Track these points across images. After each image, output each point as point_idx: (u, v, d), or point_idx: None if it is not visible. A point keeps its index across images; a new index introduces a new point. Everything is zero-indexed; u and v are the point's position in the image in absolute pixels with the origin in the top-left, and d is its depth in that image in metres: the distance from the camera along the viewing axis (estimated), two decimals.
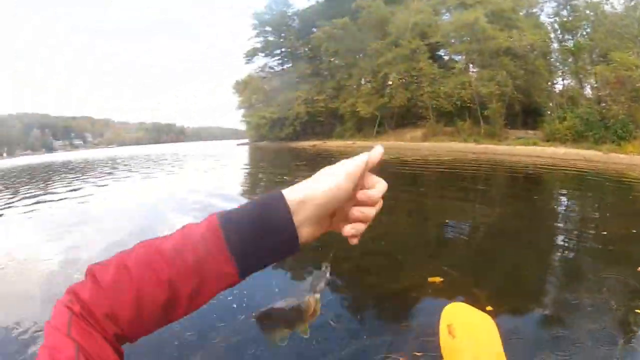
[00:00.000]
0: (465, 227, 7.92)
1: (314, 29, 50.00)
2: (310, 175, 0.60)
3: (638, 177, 14.02)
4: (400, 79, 37.14)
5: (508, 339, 2.02)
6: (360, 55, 44.22)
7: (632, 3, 24.48)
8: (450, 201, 10.67)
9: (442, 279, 4.58)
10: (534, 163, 18.71)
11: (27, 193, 15.68)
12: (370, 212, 0.64)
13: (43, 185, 18.98)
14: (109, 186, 16.99)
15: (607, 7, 26.10)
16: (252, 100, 58.31)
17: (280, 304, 0.64)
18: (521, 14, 32.45)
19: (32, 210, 11.30)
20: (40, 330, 3.74)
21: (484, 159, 21.59)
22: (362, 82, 44.06)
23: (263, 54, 60.70)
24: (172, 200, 11.99)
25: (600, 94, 24.79)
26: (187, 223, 0.61)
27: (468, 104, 31.62)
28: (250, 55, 61.14)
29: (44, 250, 6.87)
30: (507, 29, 29.89)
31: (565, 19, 28.49)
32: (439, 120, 34.44)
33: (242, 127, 70.49)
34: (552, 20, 30.11)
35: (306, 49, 54.28)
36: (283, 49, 58.29)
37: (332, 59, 47.79)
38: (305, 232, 0.61)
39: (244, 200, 9.65)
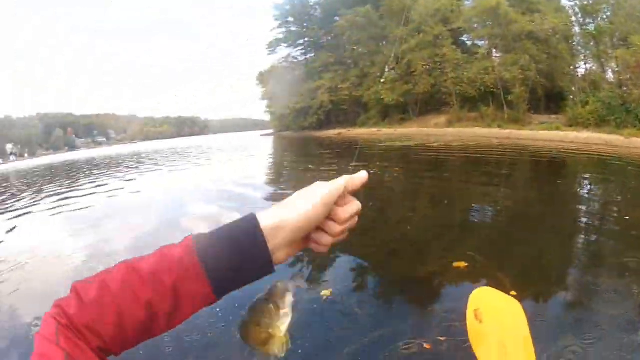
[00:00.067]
0: (490, 212, 7.96)
1: (337, 18, 50.06)
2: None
3: None
4: (424, 65, 37.07)
5: (531, 323, 1.82)
6: (384, 42, 44.29)
7: None
8: (474, 186, 10.67)
9: (466, 264, 4.57)
10: (557, 148, 18.61)
11: (53, 190, 16.07)
12: (335, 229, 0.68)
13: (69, 182, 19.44)
14: (136, 180, 17.34)
15: None
16: (276, 90, 58.65)
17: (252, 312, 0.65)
18: None
19: (60, 206, 11.57)
20: None
21: (507, 144, 21.54)
22: (386, 69, 44.10)
23: (286, 45, 60.89)
24: (201, 191, 12.34)
25: (621, 78, 24.56)
26: (164, 245, 0.63)
27: (491, 89, 31.59)
28: (273, 46, 61.46)
29: (72, 245, 7.00)
30: (528, 13, 29.73)
31: (585, 3, 28.04)
32: (463, 106, 34.51)
33: (266, 117, 71.09)
34: (572, 3, 29.65)
35: (329, 38, 54.39)
36: (306, 39, 58.36)
37: (355, 47, 47.82)
38: (280, 255, 0.64)
39: (270, 190, 10.30)
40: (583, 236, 6.02)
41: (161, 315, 0.59)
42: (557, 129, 24.47)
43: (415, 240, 6.23)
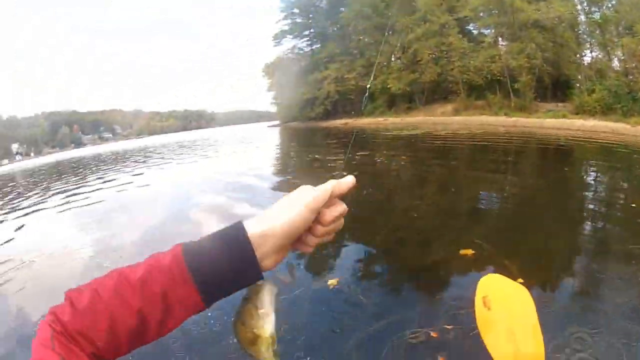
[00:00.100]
0: (497, 199, 7.97)
1: (342, 9, 49.92)
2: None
3: None
4: (430, 54, 37.02)
5: (538, 310, 1.99)
6: (390, 32, 44.14)
7: None
8: (481, 173, 10.70)
9: (473, 252, 4.57)
10: (564, 135, 18.56)
11: (60, 187, 16.17)
12: (320, 230, 0.69)
13: (76, 179, 19.46)
14: (144, 174, 17.44)
15: None
16: (282, 82, 58.67)
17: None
18: None
19: (67, 202, 11.73)
20: None
21: (514, 132, 21.52)
22: (392, 58, 44.01)
23: (291, 36, 60.73)
24: (209, 183, 12.48)
25: (627, 66, 24.40)
26: (154, 253, 0.64)
27: (498, 78, 31.48)
28: (279, 37, 61.28)
29: (80, 241, 7.08)
30: (534, 1, 29.39)
31: None
32: (470, 95, 34.46)
33: (273, 109, 71.09)
34: None
35: (335, 29, 54.05)
36: (312, 30, 58.21)
37: (361, 37, 47.68)
38: (268, 262, 0.65)
39: (278, 179, 10.43)
40: (589, 223, 6.00)
41: (152, 322, 0.61)
42: (564, 116, 24.31)
43: (422, 228, 6.24)
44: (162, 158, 25.61)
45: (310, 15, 57.64)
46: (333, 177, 0.69)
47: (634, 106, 21.70)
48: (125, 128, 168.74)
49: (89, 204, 11.01)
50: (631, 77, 23.72)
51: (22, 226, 9.24)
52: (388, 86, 41.17)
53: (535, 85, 29.39)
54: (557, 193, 7.93)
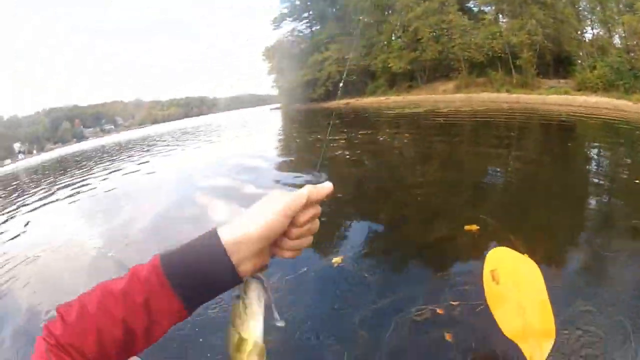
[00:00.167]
0: (501, 175, 7.98)
1: None
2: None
3: None
4: (431, 32, 36.75)
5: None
6: (389, 11, 43.81)
7: None
8: (484, 149, 10.72)
9: (478, 227, 4.56)
10: (566, 112, 18.46)
11: (65, 182, 16.13)
12: (295, 232, 0.69)
13: (80, 172, 19.36)
14: (150, 163, 17.48)
15: None
16: (283, 64, 58.27)
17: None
18: None
19: (72, 195, 11.82)
20: None
21: (517, 108, 21.41)
22: (393, 37, 43.75)
23: (291, 19, 59.98)
24: (213, 167, 12.65)
25: (628, 43, 24.19)
26: (135, 265, 0.66)
27: (499, 54, 31.21)
28: (278, 21, 60.56)
29: (87, 233, 7.12)
30: None
31: None
32: (471, 72, 34.19)
33: (274, 92, 70.78)
34: None
35: (334, 9, 53.57)
36: (311, 12, 57.55)
37: (361, 17, 47.30)
38: (245, 267, 0.65)
39: (281, 160, 10.59)
40: (593, 199, 5.96)
41: (138, 331, 0.63)
42: (566, 93, 24.16)
43: (426, 204, 6.21)
44: (168, 145, 25.56)
45: None
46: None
47: (636, 83, 21.51)
48: (127, 119, 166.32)
49: (95, 195, 11.16)
50: (632, 54, 23.44)
51: (28, 223, 9.25)
52: (389, 65, 40.99)
53: (537, 61, 29.10)
54: (560, 168, 7.92)
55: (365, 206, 6.58)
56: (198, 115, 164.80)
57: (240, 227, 0.65)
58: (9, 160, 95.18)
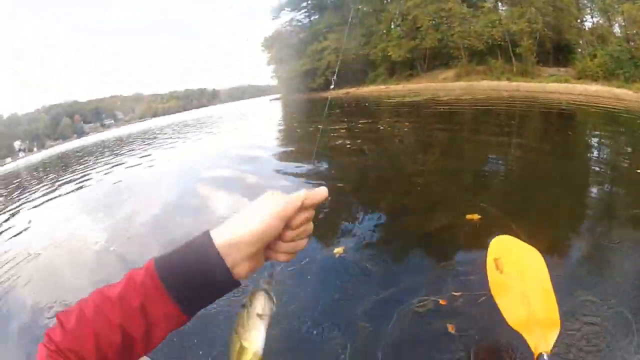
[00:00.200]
0: (502, 163, 7.87)
1: None
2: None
3: None
4: (430, 20, 36.61)
5: None
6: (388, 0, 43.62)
7: None
8: (485, 137, 10.67)
9: (479, 216, 4.52)
10: (566, 100, 18.34)
11: (66, 178, 16.02)
12: (289, 234, 0.69)
13: (81, 167, 19.28)
14: (151, 155, 17.32)
15: None
16: (282, 55, 57.99)
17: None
18: None
19: (73, 190, 11.87)
20: None
21: (517, 96, 21.32)
22: (392, 26, 43.56)
23: (289, 9, 59.56)
24: (215, 158, 12.73)
25: (628, 32, 24.06)
26: (131, 269, 0.65)
27: (499, 42, 31.02)
28: (277, 11, 60.22)
29: (89, 228, 7.13)
30: None
31: None
32: (471, 60, 34.01)
33: (274, 82, 70.57)
34: None
35: None
36: (309, 1, 57.11)
37: (359, 7, 47.03)
38: (240, 270, 0.65)
39: (281, 151, 10.59)
40: (594, 187, 5.94)
41: (136, 336, 0.62)
42: (566, 81, 24.00)
43: (427, 193, 6.18)
44: (170, 138, 25.49)
45: None
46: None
47: (636, 72, 21.39)
48: (127, 113, 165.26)
49: (97, 190, 11.21)
50: (632, 43, 23.30)
51: (30, 220, 9.22)
52: (389, 54, 40.79)
53: (537, 49, 28.97)
54: (561, 157, 7.90)
55: (366, 195, 6.53)
56: (198, 107, 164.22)
57: (234, 230, 0.65)
58: (9, 159, 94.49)
